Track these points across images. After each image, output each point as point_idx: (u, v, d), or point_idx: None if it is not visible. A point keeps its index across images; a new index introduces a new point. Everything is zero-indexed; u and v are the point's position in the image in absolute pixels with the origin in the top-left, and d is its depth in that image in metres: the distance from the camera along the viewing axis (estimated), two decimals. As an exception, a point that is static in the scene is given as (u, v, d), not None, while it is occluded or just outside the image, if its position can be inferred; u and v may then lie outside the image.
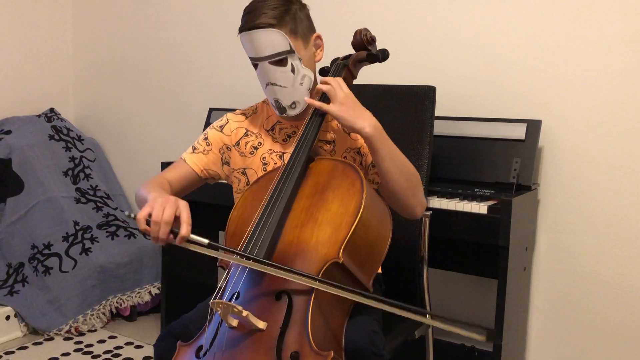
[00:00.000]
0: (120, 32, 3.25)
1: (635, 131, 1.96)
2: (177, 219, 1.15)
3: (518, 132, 2.01)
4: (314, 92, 1.44)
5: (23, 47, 3.20)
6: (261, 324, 1.10)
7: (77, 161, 3.08)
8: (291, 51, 1.37)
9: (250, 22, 1.35)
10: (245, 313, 1.09)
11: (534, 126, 2.01)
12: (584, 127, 2.04)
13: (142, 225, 1.13)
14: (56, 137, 3.08)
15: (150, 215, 1.13)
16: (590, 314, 2.07)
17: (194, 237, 1.13)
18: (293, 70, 1.38)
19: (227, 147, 1.51)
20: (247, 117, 1.54)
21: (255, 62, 1.39)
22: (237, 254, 1.16)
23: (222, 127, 1.52)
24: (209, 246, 1.13)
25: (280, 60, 1.37)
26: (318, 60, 1.48)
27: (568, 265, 2.10)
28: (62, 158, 3.03)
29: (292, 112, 1.42)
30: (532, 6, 2.10)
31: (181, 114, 3.05)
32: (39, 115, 3.14)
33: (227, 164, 1.52)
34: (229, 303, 1.11)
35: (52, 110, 3.22)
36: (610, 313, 2.03)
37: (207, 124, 2.73)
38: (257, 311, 1.12)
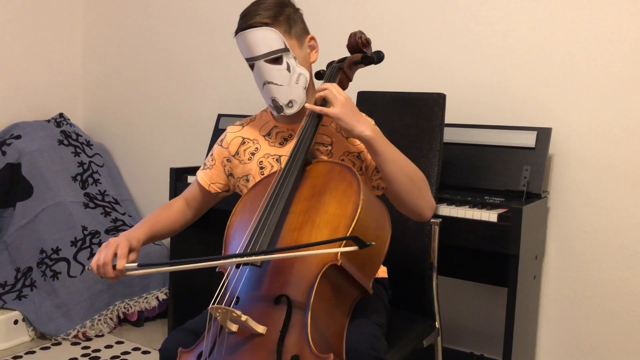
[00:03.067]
0: (130, 37, 3.27)
1: (646, 139, 1.95)
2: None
3: (528, 139, 2.00)
4: (313, 98, 1.45)
5: (33, 52, 3.22)
6: (261, 329, 1.10)
7: (85, 166, 3.09)
8: (286, 49, 1.39)
9: (244, 23, 1.40)
10: (244, 318, 1.09)
11: (544, 134, 2.00)
12: (594, 134, 2.03)
13: (95, 272, 1.32)
14: (65, 142, 3.09)
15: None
16: (601, 323, 2.06)
17: (129, 265, 1.31)
18: (288, 69, 1.40)
19: (227, 159, 1.54)
20: (243, 126, 1.57)
21: (252, 61, 1.41)
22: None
23: (221, 140, 1.57)
24: (140, 266, 1.31)
25: (275, 58, 1.39)
26: (313, 62, 1.50)
27: (578, 273, 2.09)
28: (71, 163, 3.04)
29: (289, 111, 1.43)
30: (542, 14, 2.10)
31: (190, 120, 3.06)
32: (48, 121, 3.16)
33: (232, 175, 1.55)
34: (228, 308, 1.10)
35: (61, 115, 3.23)
36: (622, 322, 2.02)
37: (216, 129, 2.73)
38: (257, 315, 1.12)
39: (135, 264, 1.31)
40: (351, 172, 1.29)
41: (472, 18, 2.23)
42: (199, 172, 1.58)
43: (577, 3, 2.04)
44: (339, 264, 1.15)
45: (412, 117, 1.84)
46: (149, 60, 3.20)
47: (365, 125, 1.32)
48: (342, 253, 1.16)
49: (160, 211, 1.53)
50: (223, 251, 1.34)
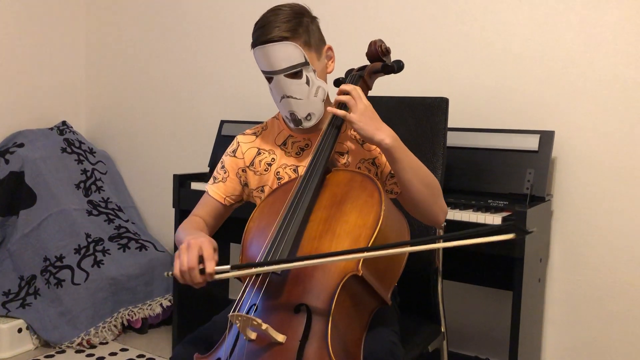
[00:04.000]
0: (132, 44, 3.28)
1: (649, 141, 1.95)
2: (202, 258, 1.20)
3: (531, 143, 2.01)
4: (331, 103, 1.44)
5: (35, 60, 3.23)
6: (280, 337, 1.09)
7: (89, 174, 3.10)
8: (306, 63, 1.37)
9: (263, 36, 1.35)
10: (264, 326, 1.08)
11: (547, 137, 2.00)
12: (596, 137, 2.03)
13: (180, 279, 1.20)
14: (68, 149, 3.09)
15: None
16: (606, 326, 2.05)
17: (219, 268, 1.18)
18: (308, 82, 1.38)
19: (243, 170, 1.51)
20: (257, 136, 1.54)
21: (270, 75, 1.38)
22: (263, 264, 1.16)
23: (234, 151, 1.53)
24: (234, 268, 1.18)
25: (295, 72, 1.36)
26: (330, 72, 1.48)
27: (583, 276, 2.08)
28: (74, 171, 3.05)
29: (307, 124, 1.41)
30: (544, 18, 2.10)
31: (192, 126, 3.07)
32: (51, 128, 3.17)
33: (247, 185, 1.52)
34: (248, 316, 1.10)
35: (64, 123, 3.24)
36: (627, 325, 2.01)
37: (219, 136, 2.74)
38: (276, 324, 1.11)
39: (228, 266, 1.18)
40: (372, 182, 1.28)
41: (474, 23, 2.24)
42: (210, 187, 1.52)
43: (578, 7, 2.05)
44: (359, 274, 1.15)
45: (415, 122, 1.84)
46: (151, 67, 3.21)
47: (386, 133, 1.31)
48: (363, 263, 1.15)
49: (193, 224, 1.45)
50: (241, 256, 1.31)
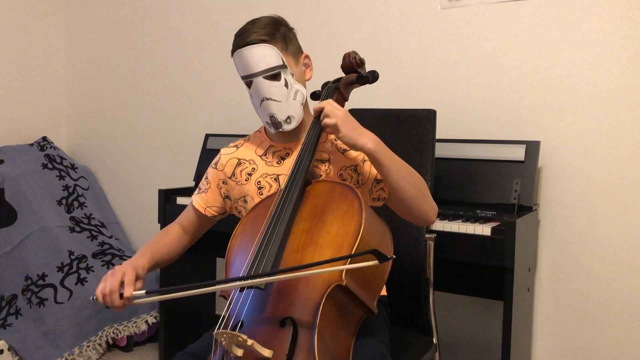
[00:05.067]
0: (113, 58, 3.25)
1: (632, 149, 1.98)
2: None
3: (518, 153, 2.03)
4: (309, 116, 1.46)
5: (15, 76, 3.18)
6: (267, 352, 1.08)
7: (70, 190, 3.05)
8: (284, 66, 1.40)
9: (242, 41, 1.40)
10: (250, 342, 1.07)
11: (533, 147, 2.02)
12: (581, 146, 2.06)
13: (101, 301, 1.27)
14: (49, 165, 3.05)
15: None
16: (595, 334, 2.07)
17: (136, 293, 1.27)
18: (286, 85, 1.41)
19: (223, 182, 1.53)
20: (238, 148, 1.56)
21: (249, 79, 1.41)
22: (180, 289, 1.19)
23: (216, 163, 1.56)
24: (148, 294, 1.24)
25: (274, 75, 1.40)
26: (308, 79, 1.51)
27: (570, 284, 2.10)
28: (56, 187, 3.00)
29: (287, 127, 1.43)
30: (529, 30, 2.14)
31: (176, 140, 3.04)
32: (32, 144, 3.12)
33: (228, 197, 1.54)
34: (233, 332, 1.09)
35: (44, 138, 3.19)
36: (615, 332, 2.03)
37: (204, 149, 2.72)
38: (262, 339, 1.10)
39: (143, 291, 1.25)
40: (352, 192, 1.29)
41: (461, 36, 2.26)
42: (194, 197, 1.56)
43: (562, 19, 2.08)
44: (344, 284, 1.14)
45: (403, 134, 1.85)
46: (133, 81, 3.19)
47: (368, 138, 1.33)
48: (346, 273, 1.15)
49: (159, 238, 1.50)
50: (225, 274, 1.32)
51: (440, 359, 1.81)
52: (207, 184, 1.55)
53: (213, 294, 1.87)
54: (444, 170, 2.10)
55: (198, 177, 2.68)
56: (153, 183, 3.09)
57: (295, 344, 1.09)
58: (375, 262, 1.06)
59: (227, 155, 1.55)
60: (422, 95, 2.32)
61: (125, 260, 2.89)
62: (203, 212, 1.54)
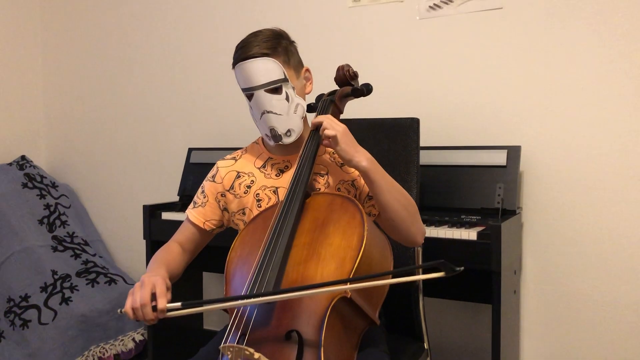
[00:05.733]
0: (92, 73, 3.23)
1: (610, 152, 2.04)
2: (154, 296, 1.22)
3: (499, 158, 2.07)
4: (307, 129, 1.46)
5: (-8, 95, 3.14)
6: None
7: (52, 208, 3.01)
8: (285, 79, 1.41)
9: (244, 54, 1.40)
10: (257, 355, 1.07)
11: (514, 152, 2.07)
12: (561, 150, 2.11)
13: (131, 316, 1.21)
14: (29, 184, 3.00)
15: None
16: (580, 333, 2.11)
17: (170, 305, 1.20)
18: (287, 99, 1.41)
19: (222, 194, 1.52)
20: (236, 160, 1.56)
21: (251, 92, 1.41)
22: (215, 301, 1.17)
23: (213, 176, 1.54)
24: (185, 306, 1.19)
25: (275, 88, 1.40)
26: (308, 93, 1.52)
27: (554, 285, 2.14)
28: (37, 206, 2.96)
29: (287, 140, 1.43)
30: (507, 38, 2.18)
31: (159, 155, 3.03)
32: (10, 164, 3.07)
33: (226, 210, 1.53)
34: (240, 346, 1.09)
35: (23, 157, 3.15)
36: (600, 331, 2.07)
37: (187, 163, 2.71)
38: (268, 352, 1.10)
39: (179, 303, 1.19)
40: (353, 204, 1.30)
41: (440, 45, 2.30)
42: (189, 212, 1.54)
43: (540, 25, 2.13)
44: (348, 296, 1.15)
45: (388, 142, 1.87)
46: (112, 96, 3.17)
47: (363, 156, 1.34)
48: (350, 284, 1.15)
49: (164, 254, 1.44)
50: (225, 287, 1.31)
51: (432, 365, 1.82)
52: (204, 197, 1.53)
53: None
54: (428, 177, 2.12)
55: (182, 192, 2.67)
56: (136, 199, 3.07)
57: (301, 357, 1.10)
58: (442, 273, 1.03)
59: (225, 167, 1.54)
60: (404, 105, 2.35)
61: (112, 278, 2.86)
62: (202, 227, 1.51)
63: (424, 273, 1.07)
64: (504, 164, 2.06)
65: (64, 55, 3.31)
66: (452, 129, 2.27)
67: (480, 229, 1.88)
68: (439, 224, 1.98)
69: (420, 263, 1.78)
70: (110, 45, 3.15)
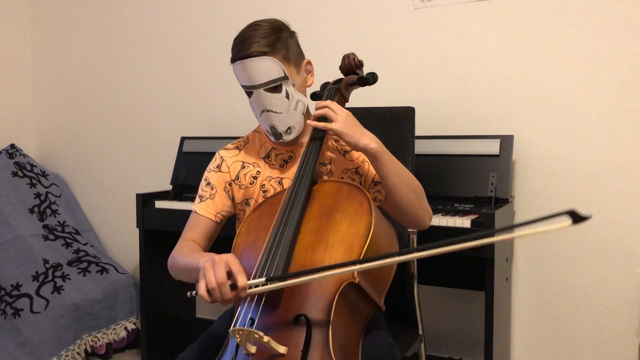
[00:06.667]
0: (83, 62, 3.20)
1: (601, 142, 2.07)
2: (231, 274, 1.16)
3: (492, 147, 2.09)
4: (311, 117, 1.45)
5: (-20, 82, 3.10)
6: (282, 349, 1.09)
7: (42, 197, 2.99)
8: (285, 77, 1.39)
9: (242, 51, 1.36)
10: (266, 339, 1.08)
11: (507, 141, 2.09)
12: (553, 140, 2.14)
13: (207, 298, 1.14)
14: (20, 173, 2.98)
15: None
16: (570, 319, 2.15)
17: (251, 282, 1.15)
18: (287, 96, 1.39)
19: (229, 184, 1.50)
20: (240, 150, 1.53)
21: (250, 90, 1.39)
22: (298, 274, 1.13)
23: (219, 166, 1.51)
24: (270, 281, 1.14)
25: (275, 87, 1.38)
26: (309, 86, 1.50)
27: (545, 272, 2.18)
28: (27, 195, 2.93)
29: (287, 137, 1.43)
30: (500, 27, 2.20)
31: (152, 144, 3.01)
32: (0, 152, 3.04)
33: (233, 199, 1.51)
34: (249, 329, 1.09)
35: (12, 146, 3.12)
36: (589, 317, 2.12)
37: (180, 152, 2.70)
38: (276, 336, 1.11)
39: (263, 279, 1.13)
40: (360, 191, 1.30)
41: (434, 35, 2.32)
42: (198, 207, 1.48)
43: (533, 15, 2.15)
44: (356, 281, 1.16)
45: (384, 131, 1.88)
46: (103, 84, 3.14)
47: (370, 138, 1.34)
48: (358, 270, 1.14)
49: (188, 249, 1.39)
50: None
51: (426, 350, 1.85)
52: (212, 189, 1.49)
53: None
54: (423, 165, 2.14)
55: (175, 181, 2.66)
56: (127, 188, 3.05)
57: (309, 340, 1.11)
58: (569, 223, 0.93)
59: (230, 158, 1.52)
60: (399, 94, 2.37)
61: (103, 266, 2.85)
62: (214, 219, 1.47)
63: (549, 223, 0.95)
64: (497, 153, 2.08)
65: (54, 43, 3.28)
66: (445, 118, 2.29)
67: (473, 217, 1.91)
68: (433, 212, 1.99)
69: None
70: (102, 34, 3.12)
